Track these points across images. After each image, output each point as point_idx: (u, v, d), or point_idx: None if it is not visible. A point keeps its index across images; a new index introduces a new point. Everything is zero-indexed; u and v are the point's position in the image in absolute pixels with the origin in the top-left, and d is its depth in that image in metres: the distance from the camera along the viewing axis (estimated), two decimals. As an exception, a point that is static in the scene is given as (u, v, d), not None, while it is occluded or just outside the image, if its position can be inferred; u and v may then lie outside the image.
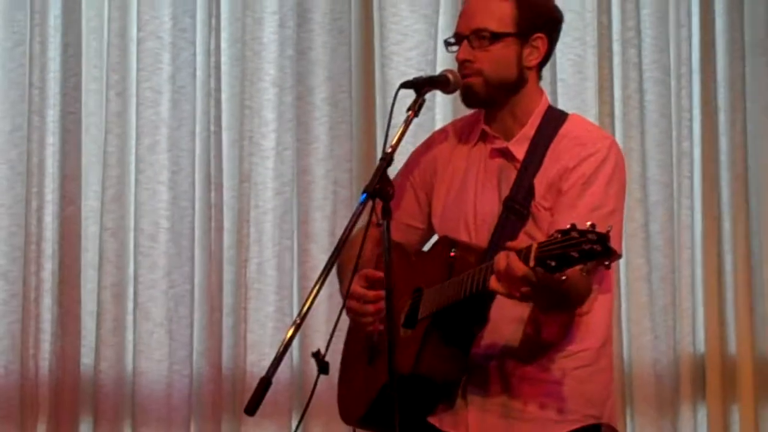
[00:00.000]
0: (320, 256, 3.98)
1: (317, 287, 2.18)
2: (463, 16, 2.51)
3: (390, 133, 2.35)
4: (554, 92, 4.11)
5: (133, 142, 3.99)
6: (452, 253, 2.42)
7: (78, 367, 3.94)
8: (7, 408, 3.90)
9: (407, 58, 4.08)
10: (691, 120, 4.30)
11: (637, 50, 4.17)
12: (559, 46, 3.76)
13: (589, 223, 1.98)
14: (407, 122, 2.33)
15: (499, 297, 2.24)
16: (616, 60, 4.20)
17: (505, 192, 2.46)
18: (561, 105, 4.08)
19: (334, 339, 2.42)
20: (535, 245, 2.06)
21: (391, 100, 2.42)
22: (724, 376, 4.18)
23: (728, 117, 4.28)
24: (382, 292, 2.34)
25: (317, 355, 2.28)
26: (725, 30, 4.26)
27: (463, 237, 2.48)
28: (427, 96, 2.38)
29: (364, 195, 2.25)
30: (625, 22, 4.17)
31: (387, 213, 2.26)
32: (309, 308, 2.19)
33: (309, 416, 3.88)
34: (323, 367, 2.27)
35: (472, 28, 2.42)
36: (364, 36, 4.16)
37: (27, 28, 3.93)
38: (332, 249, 2.29)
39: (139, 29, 3.98)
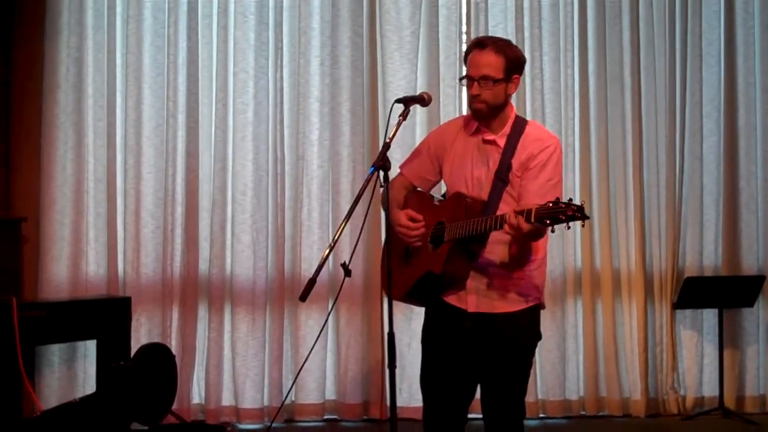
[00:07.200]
0: (345, 205, 5.10)
1: (343, 224, 2.77)
2: (474, 65, 2.93)
3: (388, 131, 2.91)
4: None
5: (230, 135, 5.22)
6: (467, 201, 2.92)
7: (197, 271, 5.17)
8: (153, 295, 5.13)
9: (398, 86, 5.21)
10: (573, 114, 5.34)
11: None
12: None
13: (569, 198, 2.51)
14: (399, 123, 2.87)
15: (493, 233, 2.80)
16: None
17: (491, 166, 2.95)
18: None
19: (354, 255, 3.06)
20: (534, 210, 2.55)
21: (389, 111, 3.00)
22: (592, 281, 5.36)
23: (595, 120, 5.33)
24: (422, 223, 2.95)
25: (344, 265, 2.76)
26: (595, 68, 5.35)
27: (463, 190, 2.97)
28: (411, 108, 2.97)
29: (372, 168, 2.79)
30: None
31: (386, 179, 2.75)
32: (338, 236, 2.78)
33: (338, 303, 5.00)
34: (347, 273, 2.76)
35: (481, 74, 2.92)
36: (371, 72, 5.28)
37: (165, 65, 5.18)
38: (352, 201, 2.88)
39: (234, 66, 5.23)
